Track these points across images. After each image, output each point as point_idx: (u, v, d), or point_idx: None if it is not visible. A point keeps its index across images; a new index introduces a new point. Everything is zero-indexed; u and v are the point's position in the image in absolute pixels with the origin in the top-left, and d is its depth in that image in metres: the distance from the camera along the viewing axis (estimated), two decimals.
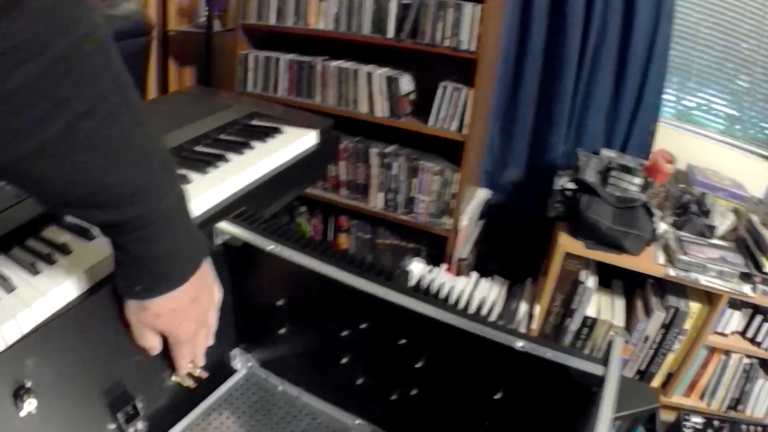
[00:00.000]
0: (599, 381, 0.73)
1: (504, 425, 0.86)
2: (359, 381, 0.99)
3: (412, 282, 0.87)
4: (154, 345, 0.86)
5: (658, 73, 2.68)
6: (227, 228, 1.00)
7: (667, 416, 2.58)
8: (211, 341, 0.93)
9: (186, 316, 0.83)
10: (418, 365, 0.88)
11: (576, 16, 2.65)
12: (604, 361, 0.75)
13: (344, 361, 0.98)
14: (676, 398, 2.61)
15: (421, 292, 0.85)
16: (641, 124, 2.78)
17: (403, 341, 0.89)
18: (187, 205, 0.76)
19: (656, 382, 2.59)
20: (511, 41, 2.85)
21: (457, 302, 0.84)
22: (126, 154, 0.64)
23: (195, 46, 3.65)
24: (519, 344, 0.77)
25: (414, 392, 0.93)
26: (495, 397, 0.84)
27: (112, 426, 0.91)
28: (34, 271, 0.85)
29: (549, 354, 0.76)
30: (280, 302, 1.01)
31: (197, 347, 0.91)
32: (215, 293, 0.91)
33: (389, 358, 0.93)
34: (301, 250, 0.94)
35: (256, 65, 3.07)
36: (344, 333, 0.95)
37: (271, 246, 0.95)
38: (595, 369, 0.74)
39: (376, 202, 3.02)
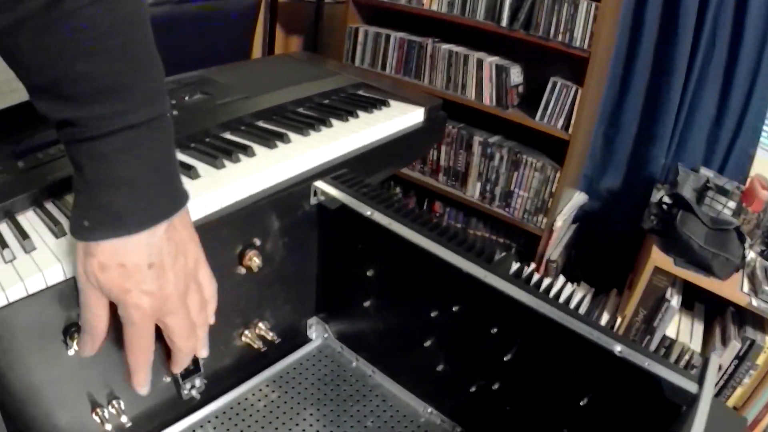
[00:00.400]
0: (691, 400, 0.68)
1: None
2: (439, 367, 0.95)
3: (513, 269, 0.83)
4: (98, 313, 0.70)
5: (761, 97, 2.59)
6: (325, 188, 0.97)
7: None
8: (202, 352, 0.79)
9: (138, 283, 0.67)
10: (507, 358, 0.83)
11: (686, 31, 2.58)
12: (700, 380, 0.69)
13: (427, 344, 0.94)
14: None
15: (523, 280, 0.81)
16: (741, 147, 2.70)
17: (495, 330, 0.84)
18: (169, 140, 0.67)
19: None
20: (621, 47, 2.78)
21: (558, 296, 0.79)
22: (109, 46, 0.60)
23: (303, 15, 3.67)
24: (617, 348, 0.71)
25: (496, 386, 0.87)
26: (580, 404, 0.78)
27: (167, 378, 0.89)
28: None
29: (646, 363, 0.70)
30: (369, 272, 0.97)
31: (172, 342, 0.75)
32: (203, 278, 0.75)
33: (477, 347, 0.88)
34: (401, 219, 0.89)
35: (365, 40, 3.07)
36: (433, 314, 0.91)
37: (368, 211, 0.92)
38: (689, 386, 0.69)
39: (474, 191, 2.98)
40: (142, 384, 0.75)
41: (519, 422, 0.89)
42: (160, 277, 0.68)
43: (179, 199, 0.69)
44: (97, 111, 0.60)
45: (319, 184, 0.97)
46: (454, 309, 0.88)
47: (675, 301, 2.39)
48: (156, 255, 0.67)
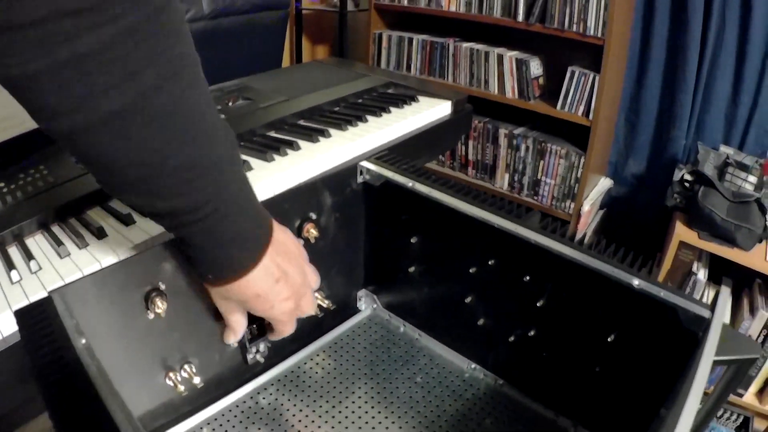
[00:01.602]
0: (705, 326, 0.75)
1: (613, 370, 0.89)
2: (480, 322, 1.04)
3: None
4: (240, 322, 0.87)
5: None
6: (370, 166, 1.07)
7: (759, 425, 2.53)
8: (313, 310, 0.92)
9: (276, 296, 0.80)
10: (539, 303, 0.93)
11: (696, 12, 2.65)
12: (712, 306, 0.77)
13: (468, 300, 1.04)
14: None
15: (549, 230, 0.91)
16: (758, 122, 2.75)
17: (528, 278, 0.93)
18: (248, 185, 0.73)
19: (754, 388, 2.54)
20: (636, 33, 2.85)
21: (582, 241, 0.89)
22: (193, 134, 0.62)
23: (328, 24, 3.79)
24: (635, 282, 0.80)
25: (532, 333, 0.97)
26: (608, 340, 0.86)
27: (235, 344, 0.98)
28: None
29: (662, 294, 0.78)
30: (413, 239, 1.08)
31: (301, 314, 0.90)
32: (305, 268, 0.87)
33: (512, 297, 0.98)
34: (439, 188, 1.00)
35: (390, 44, 3.18)
36: (471, 270, 1.01)
37: (410, 183, 1.02)
38: (703, 312, 0.76)
39: (503, 182, 3.07)
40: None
41: (554, 367, 0.98)
42: (288, 281, 0.81)
43: (267, 219, 0.79)
44: (194, 199, 0.65)
45: (365, 164, 1.08)
46: (489, 263, 0.98)
47: (702, 274, 2.45)
48: (276, 270, 0.78)
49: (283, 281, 0.80)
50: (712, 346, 0.71)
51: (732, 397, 2.56)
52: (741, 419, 2.52)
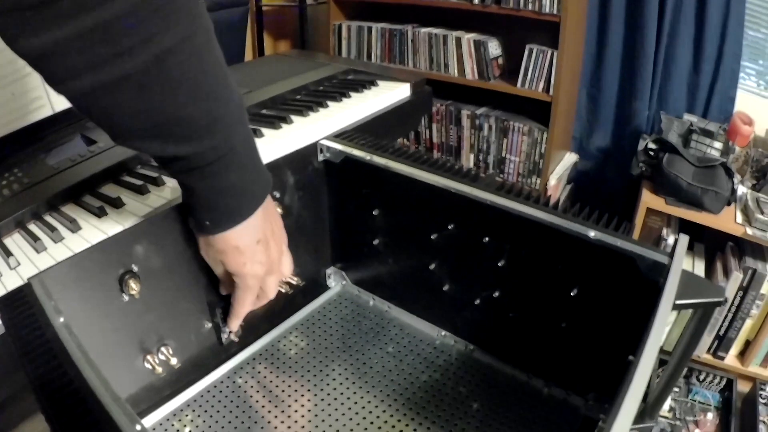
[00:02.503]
0: (666, 272, 0.77)
1: (579, 325, 0.92)
2: (446, 287, 1.07)
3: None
4: (224, 280, 0.92)
5: (735, 40, 2.67)
6: (329, 144, 1.10)
7: (743, 387, 2.58)
8: (273, 294, 0.96)
9: (251, 256, 0.84)
10: (500, 264, 0.96)
11: None
12: (671, 253, 0.79)
13: (432, 266, 1.07)
14: (754, 368, 2.58)
15: (505, 190, 0.93)
16: (721, 90, 2.78)
17: (486, 239, 0.96)
18: (252, 136, 0.79)
19: (734, 351, 2.58)
20: (593, 7, 2.88)
21: (538, 199, 0.92)
22: (204, 91, 0.66)
23: (289, 18, 3.79)
24: (591, 234, 0.82)
25: (496, 294, 1.00)
26: (571, 295, 0.89)
27: (209, 324, 1.00)
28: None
29: (619, 243, 0.81)
30: (375, 212, 1.11)
31: (261, 298, 0.95)
32: (284, 248, 0.94)
33: (474, 259, 1.01)
34: (396, 159, 1.02)
35: (349, 34, 3.20)
36: (433, 236, 1.04)
37: (368, 156, 1.05)
38: (662, 259, 0.78)
39: (468, 163, 3.10)
40: (235, 328, 1.01)
41: (522, 328, 1.01)
42: (267, 248, 0.86)
43: (268, 180, 0.84)
44: (204, 145, 0.70)
45: (324, 142, 1.11)
46: (449, 227, 1.01)
47: (672, 239, 2.48)
48: (261, 232, 0.84)
49: (263, 245, 0.85)
50: (671, 290, 0.73)
51: (714, 360, 2.60)
52: (724, 382, 2.56)
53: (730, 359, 2.59)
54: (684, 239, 0.83)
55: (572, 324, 0.93)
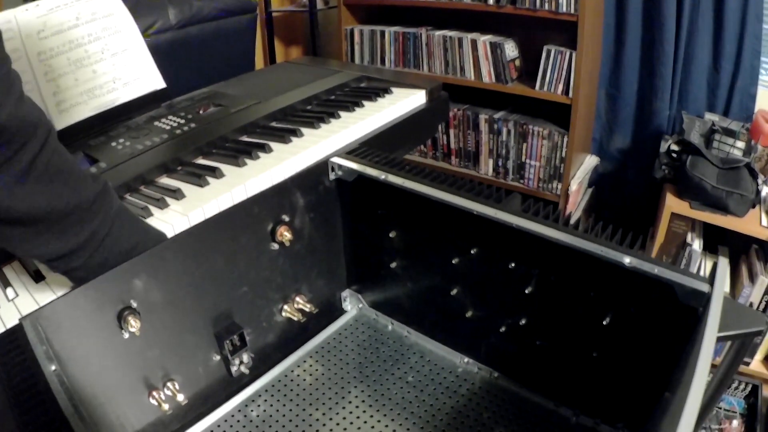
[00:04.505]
0: (705, 301, 0.72)
1: (611, 354, 0.85)
2: (468, 314, 1.01)
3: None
4: None
5: (754, 35, 2.58)
6: (341, 162, 1.04)
7: None
8: None
9: None
10: (528, 290, 0.89)
11: None
12: (710, 280, 0.73)
13: (454, 292, 1.00)
14: None
15: (531, 212, 0.87)
16: (742, 87, 2.69)
17: (513, 265, 0.90)
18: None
19: (759, 356, 2.51)
20: (611, 6, 2.80)
21: (567, 221, 0.85)
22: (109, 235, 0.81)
23: (299, 24, 3.75)
24: (626, 260, 0.76)
25: (523, 322, 0.93)
26: (603, 323, 0.83)
27: (216, 357, 0.96)
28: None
29: (656, 270, 0.74)
30: (392, 234, 1.04)
31: None
32: None
33: (499, 285, 0.94)
34: (412, 177, 0.96)
35: (362, 39, 3.14)
36: (454, 261, 0.97)
37: (383, 176, 0.98)
38: (701, 286, 0.72)
39: (487, 169, 3.03)
40: None
41: (550, 355, 0.94)
42: None
43: None
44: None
45: (336, 160, 1.04)
46: (472, 252, 0.94)
47: (696, 244, 2.41)
48: None
49: None
50: (714, 322, 0.68)
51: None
52: (749, 388, 2.49)
53: (756, 365, 2.51)
54: (724, 263, 0.77)
55: (604, 353, 0.87)
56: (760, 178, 2.33)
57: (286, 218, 0.98)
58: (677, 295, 0.74)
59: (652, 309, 0.79)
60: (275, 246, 0.97)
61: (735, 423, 2.39)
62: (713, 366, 0.65)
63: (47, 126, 0.77)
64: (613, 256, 0.77)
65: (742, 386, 2.49)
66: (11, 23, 1.29)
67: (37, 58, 1.31)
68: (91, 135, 1.34)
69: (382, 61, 3.12)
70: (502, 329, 0.98)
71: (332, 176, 1.05)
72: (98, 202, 0.82)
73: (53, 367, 0.66)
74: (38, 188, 0.74)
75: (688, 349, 0.70)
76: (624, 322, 0.83)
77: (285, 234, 0.96)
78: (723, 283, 0.73)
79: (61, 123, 1.23)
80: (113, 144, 1.27)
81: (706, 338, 0.65)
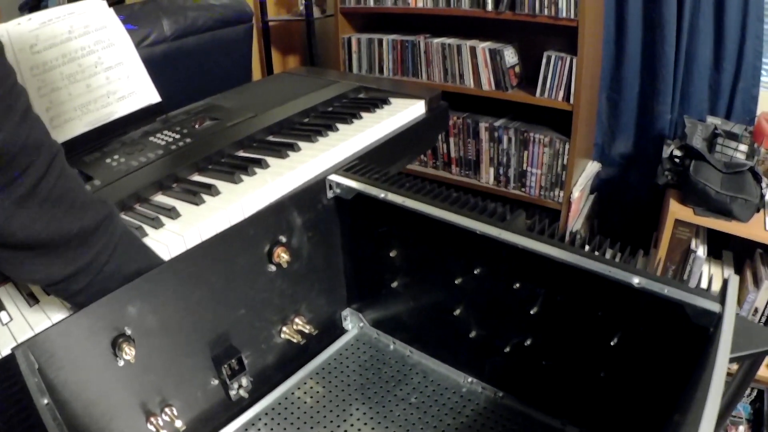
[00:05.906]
0: (716, 320, 0.69)
1: (619, 374, 0.83)
2: (472, 334, 0.98)
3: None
4: None
5: (755, 36, 2.57)
6: (339, 179, 1.01)
7: None
8: None
9: None
10: (533, 311, 0.87)
11: None
12: (721, 300, 0.70)
13: (457, 312, 0.98)
14: None
15: (536, 231, 0.84)
16: (744, 89, 2.67)
17: (518, 285, 0.87)
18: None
19: (765, 360, 2.49)
20: (610, 10, 2.78)
21: (573, 240, 0.83)
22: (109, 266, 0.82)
23: (296, 33, 3.73)
24: (635, 281, 0.74)
25: (528, 342, 0.91)
26: (611, 344, 0.81)
27: (215, 381, 0.93)
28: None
29: (666, 290, 0.72)
30: (392, 253, 1.02)
31: None
32: None
33: (503, 305, 0.92)
34: (413, 196, 0.93)
35: (359, 47, 3.12)
36: (457, 281, 0.95)
37: (382, 194, 0.96)
38: (712, 306, 0.70)
39: (488, 177, 3.00)
40: None
41: (556, 375, 0.92)
42: None
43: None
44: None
45: (333, 177, 1.01)
46: (476, 272, 0.92)
47: (701, 251, 2.39)
48: None
49: None
50: (726, 343, 0.65)
51: None
52: (755, 393, 2.47)
53: (762, 370, 2.49)
54: (735, 280, 0.74)
55: (611, 373, 0.85)
56: (764, 182, 2.31)
57: (283, 239, 0.95)
58: (688, 315, 0.72)
59: (661, 329, 0.76)
60: (272, 268, 0.95)
61: (741, 429, 2.38)
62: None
63: (53, 148, 0.74)
64: (622, 276, 0.75)
65: (747, 391, 2.47)
66: (4, 37, 1.27)
67: (30, 72, 1.29)
68: (85, 151, 1.32)
69: (381, 70, 3.10)
70: (507, 349, 0.95)
71: (330, 194, 1.02)
72: (102, 227, 0.80)
73: (45, 401, 0.64)
74: (40, 214, 0.72)
75: (698, 370, 0.68)
76: (632, 342, 0.80)
77: (282, 255, 0.94)
78: (734, 302, 0.71)
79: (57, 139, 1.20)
80: (107, 160, 1.25)
81: (719, 360, 0.62)
